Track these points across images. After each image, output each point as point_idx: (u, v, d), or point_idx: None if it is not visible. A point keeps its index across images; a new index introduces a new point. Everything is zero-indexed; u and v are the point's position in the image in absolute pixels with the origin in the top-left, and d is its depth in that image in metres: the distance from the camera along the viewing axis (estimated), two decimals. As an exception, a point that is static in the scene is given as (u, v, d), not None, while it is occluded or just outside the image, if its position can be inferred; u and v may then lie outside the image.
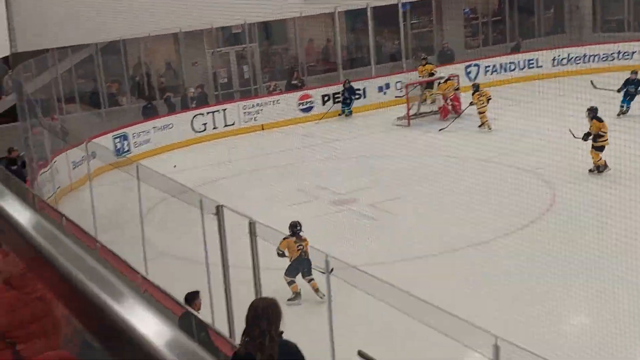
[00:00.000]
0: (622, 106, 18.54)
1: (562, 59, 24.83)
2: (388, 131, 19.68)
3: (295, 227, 10.80)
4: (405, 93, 21.70)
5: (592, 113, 14.54)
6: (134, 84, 23.13)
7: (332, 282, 7.71)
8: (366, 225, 13.70)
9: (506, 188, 12.80)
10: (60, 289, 0.88)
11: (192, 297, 8.43)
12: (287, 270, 10.78)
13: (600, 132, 14.15)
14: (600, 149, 14.23)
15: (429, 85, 22.24)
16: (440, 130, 19.01)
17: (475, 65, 24.81)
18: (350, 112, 22.32)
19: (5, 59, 18.46)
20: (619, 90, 18.36)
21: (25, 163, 16.35)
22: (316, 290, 10.52)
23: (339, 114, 22.37)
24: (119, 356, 0.81)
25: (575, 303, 9.81)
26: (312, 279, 10.60)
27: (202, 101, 22.58)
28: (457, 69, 23.59)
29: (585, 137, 14.20)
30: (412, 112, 21.06)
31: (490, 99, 18.88)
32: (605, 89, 17.30)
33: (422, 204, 13.80)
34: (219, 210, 7.83)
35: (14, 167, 15.20)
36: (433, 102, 21.84)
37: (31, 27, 18.33)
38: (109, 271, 0.88)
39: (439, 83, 21.78)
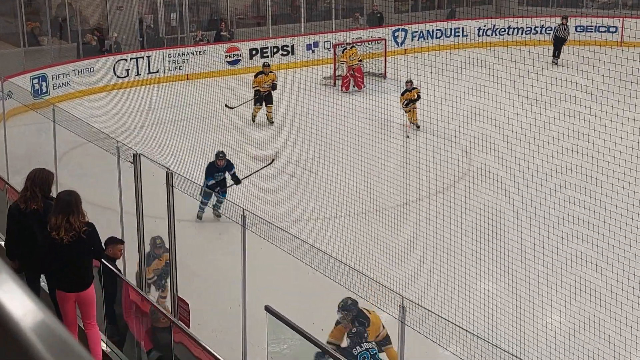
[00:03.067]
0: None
1: (487, 30, 25.24)
2: (313, 90, 19.66)
3: None
4: (333, 53, 21.67)
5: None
6: (56, 24, 22.42)
7: (247, 237, 7.73)
8: (286, 182, 13.75)
9: (424, 153, 13.01)
10: None
11: (109, 241, 8.20)
12: None
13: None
14: None
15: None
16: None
17: (403, 30, 24.95)
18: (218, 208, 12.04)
19: None
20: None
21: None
22: None
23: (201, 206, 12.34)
24: None
25: (483, 268, 10.10)
26: None
27: (125, 47, 22.08)
28: (385, 33, 23.70)
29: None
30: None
31: (417, 99, 16.88)
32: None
33: (341, 164, 13.90)
34: (136, 159, 7.71)
35: None
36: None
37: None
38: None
39: (344, 50, 20.81)
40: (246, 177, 13.07)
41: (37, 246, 6.30)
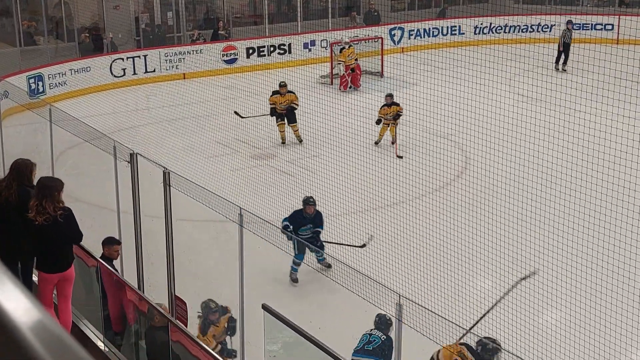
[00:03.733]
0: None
1: (484, 28, 25.25)
2: (311, 88, 19.67)
3: None
4: (330, 51, 21.67)
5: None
6: (52, 24, 22.40)
7: (244, 235, 7.73)
8: (284, 181, 13.75)
9: (420, 152, 13.02)
10: None
11: (106, 242, 8.23)
12: None
13: None
14: None
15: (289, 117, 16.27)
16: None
17: (400, 28, 24.95)
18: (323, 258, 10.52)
19: None
20: None
21: None
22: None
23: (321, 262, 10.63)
24: None
25: (480, 266, 10.11)
26: None
27: (122, 46, 22.07)
28: (381, 31, 23.71)
29: None
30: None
31: (399, 115, 15.64)
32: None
33: (339, 163, 13.94)
34: (132, 158, 7.71)
35: None
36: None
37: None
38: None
39: (342, 49, 20.51)
40: (329, 242, 10.63)
41: (14, 234, 6.54)
